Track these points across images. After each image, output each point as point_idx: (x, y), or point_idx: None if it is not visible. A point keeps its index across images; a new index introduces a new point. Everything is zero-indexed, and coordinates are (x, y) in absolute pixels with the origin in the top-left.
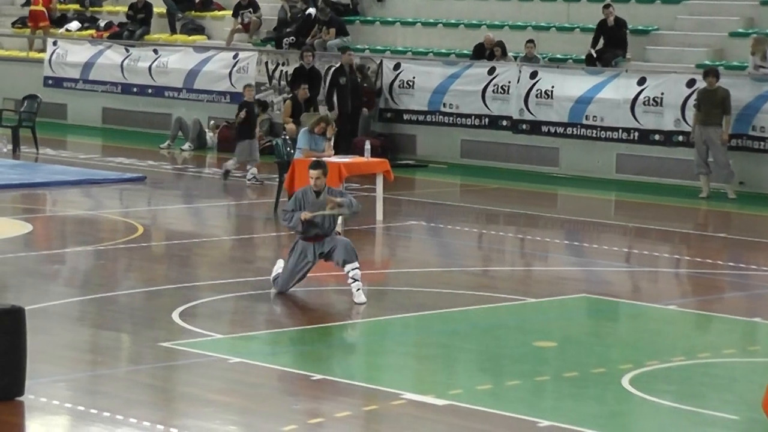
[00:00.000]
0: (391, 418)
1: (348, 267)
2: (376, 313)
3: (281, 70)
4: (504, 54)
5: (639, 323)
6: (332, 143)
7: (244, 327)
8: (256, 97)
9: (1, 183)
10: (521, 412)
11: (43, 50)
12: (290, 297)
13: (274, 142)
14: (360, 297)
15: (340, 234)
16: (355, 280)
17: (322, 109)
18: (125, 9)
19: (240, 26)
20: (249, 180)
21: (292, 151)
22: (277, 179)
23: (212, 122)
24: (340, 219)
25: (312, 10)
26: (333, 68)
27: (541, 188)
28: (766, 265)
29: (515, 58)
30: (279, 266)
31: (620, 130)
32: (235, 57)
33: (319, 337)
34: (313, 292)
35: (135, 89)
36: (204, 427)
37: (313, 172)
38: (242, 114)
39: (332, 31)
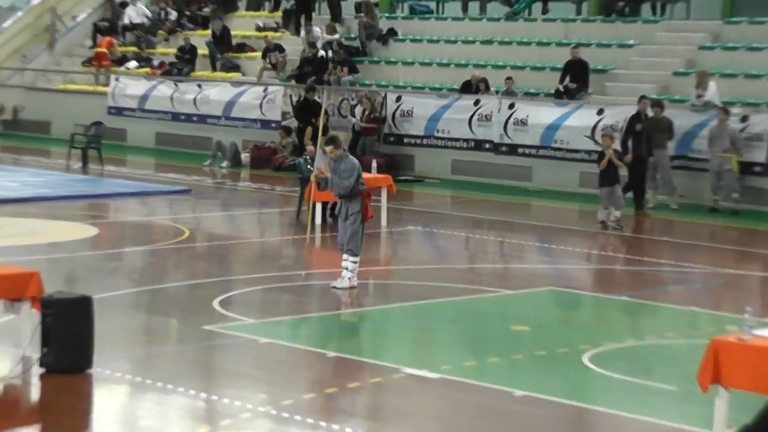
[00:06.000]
0: (392, 389)
1: (345, 256)
2: (380, 303)
3: None
4: (487, 89)
5: (597, 311)
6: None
7: (272, 313)
8: (283, 124)
9: (73, 194)
10: (500, 384)
11: (107, 84)
12: (309, 289)
13: (296, 161)
14: (341, 282)
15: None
16: (346, 269)
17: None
18: (174, 51)
19: (269, 65)
20: (611, 223)
21: (311, 168)
22: (299, 192)
23: (253, 145)
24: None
25: (323, 53)
26: (630, 115)
27: (518, 200)
28: (700, 263)
29: (497, 92)
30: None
31: (582, 152)
32: (264, 90)
33: (333, 322)
34: (327, 286)
35: (182, 117)
36: (238, 396)
37: (327, 148)
38: (607, 162)
39: (345, 69)
